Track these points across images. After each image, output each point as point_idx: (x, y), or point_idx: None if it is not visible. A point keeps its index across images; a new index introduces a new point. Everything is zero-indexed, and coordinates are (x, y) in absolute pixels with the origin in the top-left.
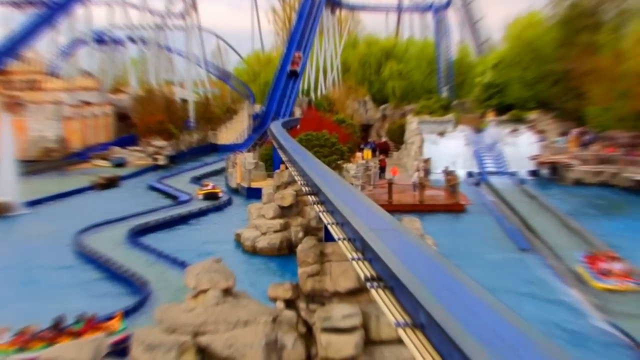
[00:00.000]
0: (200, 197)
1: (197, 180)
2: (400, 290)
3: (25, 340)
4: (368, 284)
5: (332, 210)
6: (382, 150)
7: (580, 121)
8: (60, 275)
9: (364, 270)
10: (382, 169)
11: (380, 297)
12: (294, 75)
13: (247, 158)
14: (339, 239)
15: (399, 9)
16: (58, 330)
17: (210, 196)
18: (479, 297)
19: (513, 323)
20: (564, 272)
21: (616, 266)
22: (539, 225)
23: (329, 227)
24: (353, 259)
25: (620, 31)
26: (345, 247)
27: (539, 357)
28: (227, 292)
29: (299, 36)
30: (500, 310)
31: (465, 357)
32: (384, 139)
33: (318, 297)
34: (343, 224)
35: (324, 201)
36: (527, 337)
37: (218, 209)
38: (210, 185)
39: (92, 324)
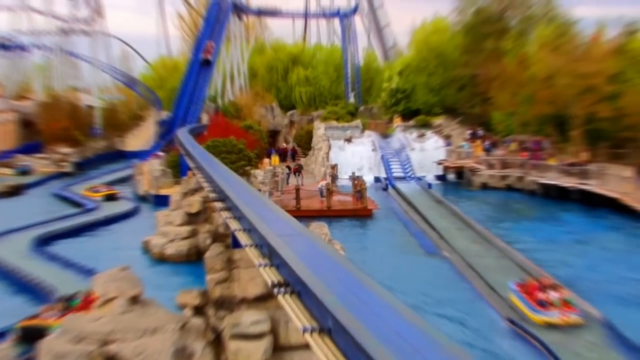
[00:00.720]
0: (99, 198)
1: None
2: (307, 295)
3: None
4: (275, 290)
5: (239, 217)
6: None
7: (486, 126)
8: None
9: (271, 276)
10: (295, 173)
11: (287, 303)
12: (207, 64)
13: (154, 165)
14: (246, 245)
15: (306, 15)
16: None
17: (110, 197)
18: (384, 301)
19: (418, 325)
20: (471, 276)
21: (554, 295)
22: (446, 229)
23: (236, 233)
24: (260, 265)
25: (525, 37)
26: (252, 254)
27: (442, 358)
28: (134, 300)
29: (206, 42)
30: (405, 314)
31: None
32: (284, 145)
33: (227, 304)
34: (250, 230)
35: (231, 207)
36: (432, 339)
37: (125, 216)
38: (104, 189)
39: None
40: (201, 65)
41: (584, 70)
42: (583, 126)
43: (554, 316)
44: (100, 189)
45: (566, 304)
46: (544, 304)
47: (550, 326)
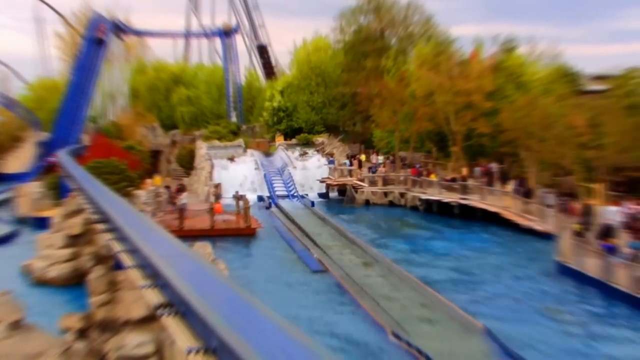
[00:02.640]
0: None
1: None
2: (191, 315)
3: None
4: (158, 311)
5: (121, 238)
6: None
7: (368, 143)
8: None
9: (154, 297)
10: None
11: (171, 324)
12: (101, 43)
13: (34, 187)
14: (129, 266)
15: (187, 35)
16: None
17: None
18: (269, 319)
19: (303, 343)
20: (355, 292)
21: None
22: (330, 246)
23: (118, 255)
24: (143, 286)
25: (404, 55)
26: (135, 275)
27: None
28: (16, 325)
29: (86, 62)
30: (290, 332)
31: None
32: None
33: (110, 326)
34: (133, 251)
35: (113, 229)
36: (318, 356)
37: (3, 240)
38: None
39: None
40: (95, 43)
41: (462, 87)
42: (463, 142)
43: None
44: None
45: None
46: None
47: None
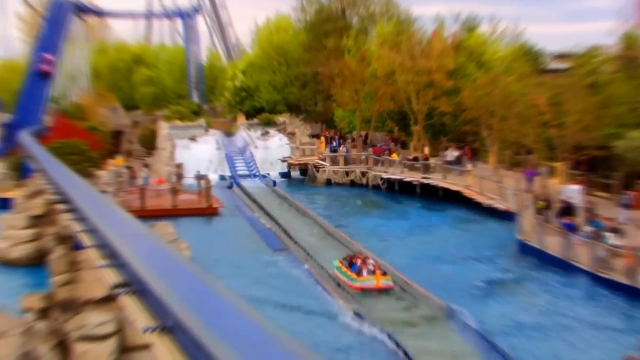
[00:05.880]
0: None
1: None
2: (148, 295)
3: None
4: (116, 291)
5: (81, 218)
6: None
7: (329, 123)
8: None
9: (112, 277)
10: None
11: (129, 303)
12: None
13: None
14: (88, 246)
15: (148, 15)
16: None
17: None
18: (224, 298)
19: (257, 322)
20: (317, 272)
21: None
22: (290, 225)
23: (78, 235)
24: (102, 266)
25: (365, 35)
26: (94, 255)
27: (279, 352)
28: None
29: (48, 42)
30: (244, 311)
31: (209, 356)
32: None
33: (72, 306)
34: (92, 231)
35: (73, 209)
36: (270, 334)
37: None
38: None
39: None
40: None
41: (423, 66)
42: (424, 121)
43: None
44: None
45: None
46: (359, 273)
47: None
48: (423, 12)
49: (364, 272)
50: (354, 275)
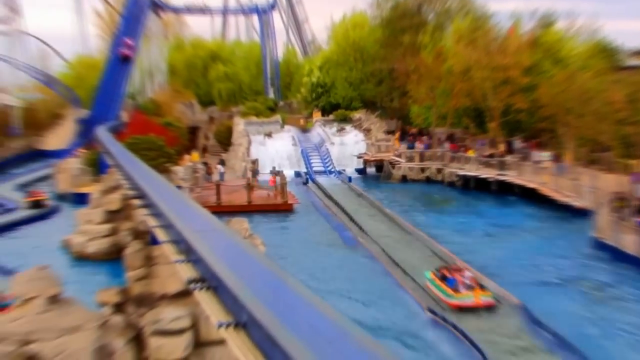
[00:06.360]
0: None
1: (23, 187)
2: (223, 290)
3: None
4: (191, 286)
5: (157, 214)
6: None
7: (405, 119)
8: None
9: (187, 272)
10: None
11: (204, 298)
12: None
13: (74, 163)
14: (164, 242)
15: (225, 12)
16: None
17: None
18: (299, 294)
19: (332, 318)
20: (390, 266)
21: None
22: (366, 221)
23: (153, 230)
24: (177, 261)
25: (441, 31)
26: (169, 250)
27: (355, 349)
28: (54, 299)
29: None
30: (319, 307)
31: (284, 353)
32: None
33: (147, 301)
34: (168, 226)
35: (149, 204)
36: (345, 331)
37: (44, 216)
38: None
39: None
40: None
41: (500, 62)
42: (500, 118)
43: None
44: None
45: (479, 287)
46: (457, 289)
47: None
48: (500, 8)
49: (462, 288)
50: (450, 291)
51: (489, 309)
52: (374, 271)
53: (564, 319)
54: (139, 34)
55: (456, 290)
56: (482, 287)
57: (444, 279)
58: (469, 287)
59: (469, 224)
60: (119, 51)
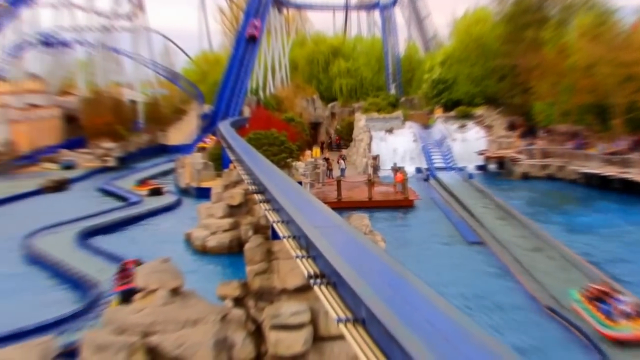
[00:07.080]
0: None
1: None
2: (342, 286)
3: None
4: (311, 281)
5: (278, 209)
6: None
7: (527, 116)
8: (8, 280)
9: (307, 267)
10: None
11: (323, 294)
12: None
13: (196, 158)
14: (284, 237)
15: (346, 7)
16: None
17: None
18: (418, 290)
19: (451, 316)
20: (512, 264)
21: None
22: (487, 218)
23: (274, 225)
24: (297, 256)
25: (565, 26)
26: (290, 245)
27: (474, 348)
28: (175, 291)
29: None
30: (438, 304)
31: (403, 350)
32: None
33: (266, 295)
34: (288, 222)
35: (270, 199)
36: (464, 329)
37: (168, 209)
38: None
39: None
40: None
41: (624, 58)
42: (624, 115)
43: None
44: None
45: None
46: (614, 318)
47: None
48: (626, 3)
49: (619, 317)
50: (605, 320)
51: None
52: (494, 268)
53: None
54: (262, 30)
55: (613, 319)
56: None
57: (595, 300)
58: (629, 316)
59: (591, 223)
60: (246, 32)
